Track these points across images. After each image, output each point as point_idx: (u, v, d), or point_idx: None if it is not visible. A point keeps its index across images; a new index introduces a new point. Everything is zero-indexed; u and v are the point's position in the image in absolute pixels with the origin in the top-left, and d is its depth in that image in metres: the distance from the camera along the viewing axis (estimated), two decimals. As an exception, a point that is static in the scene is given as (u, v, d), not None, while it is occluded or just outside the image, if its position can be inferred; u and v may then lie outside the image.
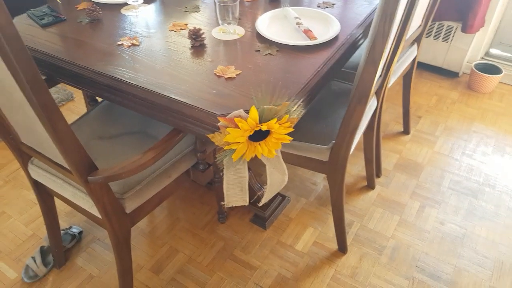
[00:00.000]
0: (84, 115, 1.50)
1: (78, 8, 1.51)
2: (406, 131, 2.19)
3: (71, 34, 1.35)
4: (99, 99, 1.72)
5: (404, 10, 1.22)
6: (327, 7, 1.48)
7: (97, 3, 1.51)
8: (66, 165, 1.05)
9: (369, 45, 1.07)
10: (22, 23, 1.43)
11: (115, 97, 1.17)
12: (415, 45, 1.86)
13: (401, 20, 1.23)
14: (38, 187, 1.37)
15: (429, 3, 1.66)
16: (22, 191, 1.89)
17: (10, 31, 0.75)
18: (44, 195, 1.41)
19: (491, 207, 1.78)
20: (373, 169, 1.81)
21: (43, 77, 1.33)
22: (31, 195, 1.86)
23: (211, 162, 1.40)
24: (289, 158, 1.42)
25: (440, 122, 2.26)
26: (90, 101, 1.64)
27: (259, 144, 1.01)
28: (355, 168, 1.97)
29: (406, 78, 1.99)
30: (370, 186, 1.87)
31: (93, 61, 1.21)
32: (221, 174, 1.47)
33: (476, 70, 2.42)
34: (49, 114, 0.87)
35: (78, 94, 2.49)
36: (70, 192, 1.22)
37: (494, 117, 2.29)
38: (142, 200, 1.23)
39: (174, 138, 1.13)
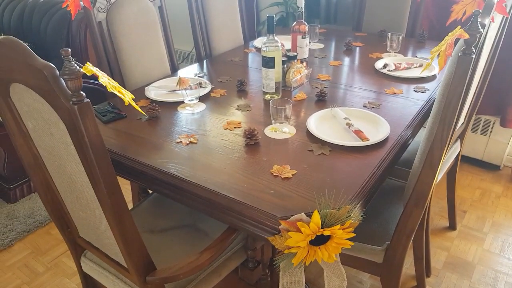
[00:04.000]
0: (135, 207, 1.53)
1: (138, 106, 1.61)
2: (452, 226, 2.11)
3: (132, 131, 1.43)
4: (150, 191, 1.76)
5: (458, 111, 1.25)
6: (373, 107, 1.53)
7: (155, 101, 1.62)
8: (124, 263, 1.06)
9: (425, 149, 1.08)
10: (86, 119, 1.53)
11: (174, 194, 1.20)
12: (459, 141, 1.87)
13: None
14: (86, 280, 1.37)
15: (471, 102, 1.70)
16: (63, 279, 1.87)
17: (97, 139, 0.81)
18: (91, 289, 1.40)
19: (558, 316, 1.63)
20: (423, 268, 1.73)
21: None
22: (72, 284, 1.84)
23: (260, 259, 1.37)
24: (341, 259, 1.37)
25: (486, 217, 2.18)
26: (141, 193, 1.69)
27: (319, 248, 1.00)
28: (404, 266, 1.88)
29: (451, 173, 1.97)
30: (421, 286, 1.76)
31: (153, 158, 1.26)
32: (267, 272, 1.44)
33: (519, 164, 2.38)
34: (120, 216, 0.90)
35: (122, 183, 2.56)
36: (121, 289, 1.21)
37: (544, 213, 2.20)
38: (192, 300, 1.19)
39: (230, 237, 1.13)
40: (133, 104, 0.77)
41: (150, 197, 1.57)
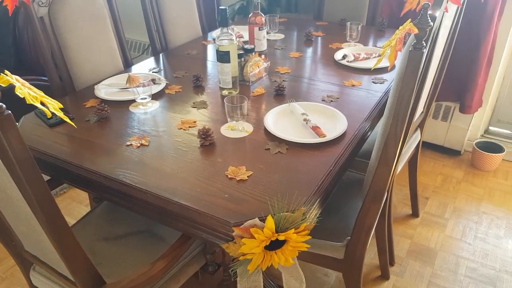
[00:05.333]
0: (89, 213, 1.46)
1: (86, 106, 1.53)
2: (415, 213, 2.14)
3: (79, 134, 1.35)
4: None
5: (410, 106, 1.23)
6: (332, 100, 1.51)
7: (105, 101, 1.54)
8: (71, 278, 0.99)
9: (380, 146, 1.06)
10: (30, 122, 1.43)
11: (124, 202, 1.13)
12: (419, 130, 1.88)
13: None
14: (37, 294, 1.29)
15: (429, 91, 1.70)
16: (18, 290, 1.78)
17: (23, 155, 0.74)
18: (43, 302, 1.32)
19: (515, 298, 1.68)
20: (387, 257, 1.74)
21: (48, 178, 1.31)
22: (27, 295, 1.75)
23: (220, 262, 1.33)
24: (301, 256, 1.35)
25: (448, 203, 2.23)
26: (95, 198, 1.61)
27: (275, 253, 0.96)
28: (367, 256, 1.90)
29: (412, 162, 1.99)
30: (385, 276, 1.78)
31: (102, 163, 1.19)
32: (230, 273, 1.41)
33: (477, 149, 2.43)
34: (58, 233, 0.83)
35: (80, 181, 2.46)
36: (72, 304, 1.14)
37: (502, 196, 2.26)
38: (148, 310, 1.14)
39: (184, 244, 1.09)
40: (60, 114, 0.70)
41: (104, 201, 1.50)
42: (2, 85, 0.62)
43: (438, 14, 0.96)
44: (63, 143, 1.30)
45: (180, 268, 1.22)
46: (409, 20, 0.89)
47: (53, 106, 0.67)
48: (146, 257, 1.23)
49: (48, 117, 0.69)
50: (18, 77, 0.66)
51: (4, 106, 0.69)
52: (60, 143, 1.30)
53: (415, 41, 0.89)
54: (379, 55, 1.85)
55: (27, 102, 0.64)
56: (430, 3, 0.87)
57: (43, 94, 0.67)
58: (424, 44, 0.89)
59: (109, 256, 1.25)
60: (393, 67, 1.68)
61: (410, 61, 0.89)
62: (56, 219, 0.82)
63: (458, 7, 1.39)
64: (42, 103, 0.67)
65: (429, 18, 0.86)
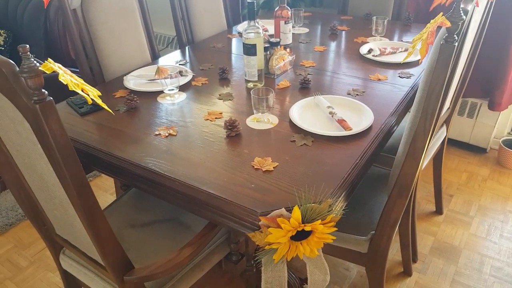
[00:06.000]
0: (116, 201, 1.49)
1: (116, 96, 1.56)
2: (439, 211, 2.11)
3: (109, 123, 1.38)
4: (130, 182, 1.73)
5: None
6: (357, 94, 1.50)
7: (134, 91, 1.57)
8: (101, 262, 1.03)
9: (408, 139, 1.06)
10: (62, 111, 1.48)
11: (153, 190, 1.16)
12: (445, 126, 1.85)
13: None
14: (67, 276, 1.34)
15: (457, 86, 1.68)
16: (47, 273, 1.85)
17: (62, 139, 0.77)
18: (73, 285, 1.37)
19: (541, 298, 1.65)
20: (410, 254, 1.73)
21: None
22: (56, 278, 1.82)
23: (243, 251, 1.35)
24: (325, 249, 1.36)
25: (473, 201, 2.19)
26: (122, 186, 1.65)
27: (301, 243, 0.98)
28: (390, 252, 1.87)
29: (437, 158, 1.96)
30: (407, 272, 1.77)
31: (131, 152, 1.22)
32: (253, 263, 1.42)
33: (504, 147, 2.38)
34: (92, 216, 0.86)
35: (105, 171, 2.52)
36: (101, 287, 1.18)
37: (529, 195, 2.21)
38: (174, 296, 1.17)
39: (210, 232, 1.11)
40: (99, 101, 0.73)
41: (131, 190, 1.54)
42: (47, 71, 0.65)
43: (469, 8, 0.95)
44: (93, 131, 1.34)
45: (205, 256, 1.24)
46: (441, 13, 0.88)
47: (93, 93, 0.70)
48: (172, 244, 1.26)
49: (89, 103, 0.72)
50: (60, 65, 0.69)
51: (46, 92, 0.72)
52: (91, 131, 1.34)
53: (446, 34, 0.88)
54: (406, 49, 1.83)
55: (70, 89, 0.67)
56: (463, -4, 0.86)
57: (83, 82, 0.70)
58: (456, 38, 0.88)
59: (136, 243, 1.29)
60: (413, 63, 1.66)
61: (442, 54, 0.88)
62: (90, 203, 0.86)
63: (488, 2, 1.36)
64: (83, 91, 0.69)
65: (461, 11, 0.85)
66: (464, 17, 0.84)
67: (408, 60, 1.70)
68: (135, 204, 1.46)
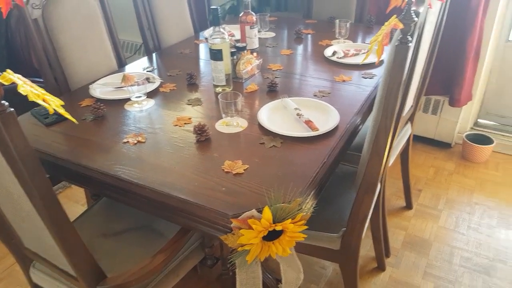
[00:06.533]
0: (86, 211, 1.47)
1: (82, 105, 1.54)
2: (408, 205, 2.18)
3: (76, 133, 1.36)
4: (101, 192, 1.70)
5: (400, 99, 1.27)
6: (323, 95, 1.54)
7: (100, 100, 1.55)
8: (73, 273, 1.01)
9: (371, 138, 1.10)
10: (26, 122, 1.45)
11: (123, 198, 1.15)
12: (409, 124, 1.91)
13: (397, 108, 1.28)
14: (38, 292, 1.31)
15: (418, 85, 1.74)
16: (17, 291, 1.79)
17: (25, 151, 0.76)
18: (44, 300, 1.34)
19: (507, 285, 1.73)
20: (382, 249, 1.78)
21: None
22: (26, 295, 1.76)
23: (219, 255, 1.36)
24: (297, 247, 1.38)
25: (441, 194, 2.27)
26: (93, 195, 1.62)
27: (273, 243, 0.99)
28: (364, 248, 1.93)
29: (404, 155, 2.03)
30: (381, 267, 1.82)
31: (99, 161, 1.21)
32: (228, 267, 1.43)
33: (468, 141, 2.48)
34: (60, 228, 0.85)
35: (76, 182, 2.47)
36: (74, 300, 1.16)
37: (493, 187, 2.31)
38: (149, 304, 1.17)
39: (183, 238, 1.11)
40: (62, 111, 0.73)
41: (102, 199, 1.52)
42: (5, 83, 0.64)
43: (422, 10, 1.00)
44: (60, 141, 1.32)
45: (179, 262, 1.24)
46: (395, 16, 0.92)
47: (55, 103, 0.69)
48: (145, 252, 1.25)
49: (50, 112, 0.71)
50: (20, 76, 0.68)
51: (6, 103, 0.71)
52: (57, 141, 1.32)
53: (401, 35, 0.92)
54: (368, 51, 1.88)
55: (30, 99, 0.66)
56: (413, 0, 0.90)
57: (44, 92, 0.69)
58: (410, 39, 0.92)
59: (108, 252, 1.27)
60: (381, 61, 1.71)
61: (397, 55, 0.92)
62: (58, 214, 0.84)
63: (442, 3, 1.43)
64: (44, 101, 0.69)
65: (413, 13, 0.89)
66: (416, 18, 0.88)
67: (368, 61, 1.76)
68: (106, 213, 1.44)
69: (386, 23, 0.90)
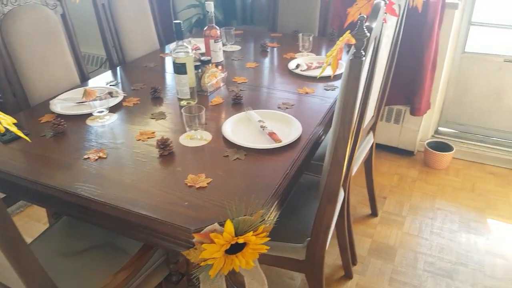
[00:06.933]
0: (46, 230, 1.43)
1: (42, 121, 1.50)
2: (374, 213, 2.23)
3: (35, 150, 1.33)
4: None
5: (359, 109, 1.31)
6: (287, 107, 1.56)
7: (61, 115, 1.52)
8: (29, 297, 0.98)
9: (332, 149, 1.12)
10: (-18, 140, 1.40)
11: (83, 216, 1.13)
12: (371, 133, 1.97)
13: (357, 118, 1.32)
14: (-6, 317, 1.25)
15: (378, 95, 1.80)
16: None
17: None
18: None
19: (468, 287, 1.78)
20: (349, 257, 1.81)
21: (3, 196, 1.28)
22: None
23: (184, 271, 1.34)
24: (263, 259, 1.39)
25: (404, 201, 2.33)
26: (54, 214, 1.58)
27: (236, 256, 0.99)
28: (331, 257, 1.96)
29: (367, 163, 2.08)
30: (348, 275, 1.84)
31: (59, 178, 1.18)
32: (195, 283, 1.42)
33: (429, 149, 2.57)
34: (14, 249, 0.82)
35: (38, 200, 2.39)
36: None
37: (453, 192, 2.40)
38: (112, 324, 1.14)
39: (146, 254, 1.10)
40: (14, 129, 0.71)
41: (63, 218, 1.47)
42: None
43: (375, 25, 1.04)
44: (18, 159, 1.28)
45: (144, 279, 1.22)
46: (348, 31, 0.95)
47: (6, 122, 0.67)
48: (108, 270, 1.22)
49: (1, 132, 0.69)
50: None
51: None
52: (15, 159, 1.28)
53: (354, 50, 0.95)
54: (330, 64, 1.94)
55: (-23, 117, 0.65)
56: (365, 16, 0.94)
57: (-6, 110, 0.67)
58: (363, 53, 0.96)
59: (69, 272, 1.24)
60: (340, 75, 1.76)
61: (351, 69, 0.95)
62: (12, 235, 0.82)
63: (397, 18, 1.49)
64: (-6, 118, 0.67)
65: (365, 29, 0.92)
66: (368, 34, 0.92)
67: (324, 74, 1.80)
68: (67, 232, 1.41)
69: (340, 39, 0.93)
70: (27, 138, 0.90)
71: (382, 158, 2.74)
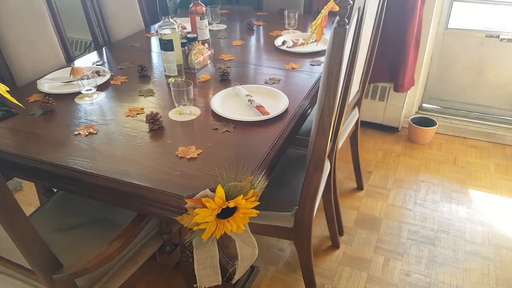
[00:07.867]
0: (39, 208, 1.45)
1: (30, 101, 1.51)
2: (359, 187, 2.29)
3: (24, 128, 1.34)
4: (55, 189, 1.67)
5: (343, 81, 1.35)
6: (274, 82, 1.59)
7: (49, 94, 1.53)
8: (27, 266, 1.01)
9: (317, 118, 1.16)
10: (-29, 120, 1.40)
11: (77, 188, 1.15)
12: (356, 108, 2.01)
13: (341, 90, 1.36)
14: (-9, 291, 1.28)
15: (363, 70, 1.84)
16: (-31, 297, 1.73)
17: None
18: (-2, 300, 1.31)
19: (449, 252, 1.87)
20: (336, 228, 1.87)
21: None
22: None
23: (177, 242, 1.38)
24: (254, 228, 1.43)
25: (389, 175, 2.40)
26: (45, 192, 1.59)
27: (228, 221, 1.03)
28: (319, 228, 2.02)
29: (353, 138, 2.13)
30: (335, 245, 1.91)
31: (50, 154, 1.20)
32: (188, 253, 1.46)
33: (413, 124, 2.63)
34: (13, 216, 0.85)
35: (26, 183, 2.39)
36: (30, 293, 1.15)
37: (436, 165, 2.47)
38: (109, 292, 1.18)
39: (140, 224, 1.13)
40: (8, 96, 0.73)
41: (55, 195, 1.49)
42: None
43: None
44: (9, 137, 1.29)
45: (138, 249, 1.26)
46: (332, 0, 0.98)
47: (0, 89, 0.69)
48: (103, 243, 1.25)
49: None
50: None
51: None
52: (6, 137, 1.29)
53: (338, 18, 0.98)
54: (316, 40, 1.96)
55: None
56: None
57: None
58: (347, 21, 0.99)
59: (64, 246, 1.26)
60: (323, 51, 1.79)
61: (335, 36, 0.99)
62: (9, 202, 0.84)
63: (381, -10, 1.52)
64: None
65: (349, -3, 0.95)
66: (351, 2, 0.95)
67: (315, 48, 1.83)
68: (60, 209, 1.43)
69: (325, 7, 0.96)
70: (19, 104, 0.91)
71: (367, 135, 2.79)
